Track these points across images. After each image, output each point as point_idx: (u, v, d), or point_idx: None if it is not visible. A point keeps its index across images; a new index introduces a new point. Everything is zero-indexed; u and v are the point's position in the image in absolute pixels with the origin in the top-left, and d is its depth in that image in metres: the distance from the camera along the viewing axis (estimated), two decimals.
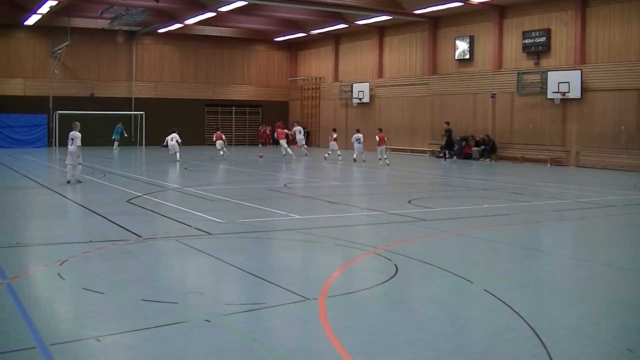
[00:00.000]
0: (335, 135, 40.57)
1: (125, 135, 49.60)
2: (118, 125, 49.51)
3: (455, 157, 39.58)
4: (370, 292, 9.28)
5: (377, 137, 35.75)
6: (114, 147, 47.93)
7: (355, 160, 36.23)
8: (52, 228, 14.83)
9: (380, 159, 34.93)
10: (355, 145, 36.97)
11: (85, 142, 46.52)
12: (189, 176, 28.24)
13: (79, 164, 23.62)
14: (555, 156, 36.58)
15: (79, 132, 23.59)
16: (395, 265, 10.71)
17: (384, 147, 35.33)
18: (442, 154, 40.35)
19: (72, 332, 7.39)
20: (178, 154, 36.02)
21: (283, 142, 41.27)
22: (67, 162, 23.73)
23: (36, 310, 8.07)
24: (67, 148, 23.55)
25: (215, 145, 39.97)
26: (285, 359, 6.63)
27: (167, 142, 37.35)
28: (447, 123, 40.77)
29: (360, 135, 37.14)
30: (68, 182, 23.13)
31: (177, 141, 36.88)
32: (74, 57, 51.52)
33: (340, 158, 37.89)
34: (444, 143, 39.91)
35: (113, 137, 48.81)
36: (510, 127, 39.38)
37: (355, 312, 8.25)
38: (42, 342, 6.95)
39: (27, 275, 10.11)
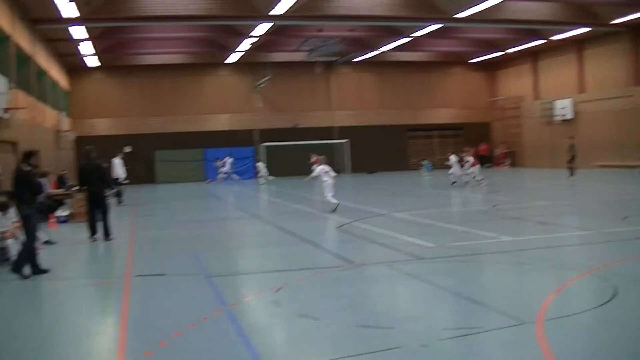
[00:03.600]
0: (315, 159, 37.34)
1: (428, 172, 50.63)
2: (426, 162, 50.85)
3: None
4: (589, 315, 8.88)
5: (471, 158, 35.03)
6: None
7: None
8: (266, 256, 15.23)
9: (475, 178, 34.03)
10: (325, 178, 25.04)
11: (290, 172, 48.29)
12: (395, 201, 28.27)
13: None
14: None
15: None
16: (613, 286, 10.20)
17: (477, 166, 34.63)
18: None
19: (290, 358, 7.57)
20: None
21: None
22: (326, 194, 24.10)
23: (256, 336, 8.28)
24: (324, 181, 24.19)
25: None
26: None
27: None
28: (572, 137, 39.70)
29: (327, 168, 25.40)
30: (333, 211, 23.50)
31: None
32: (276, 90, 53.22)
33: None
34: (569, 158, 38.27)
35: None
36: None
37: (574, 336, 7.94)
38: None
39: (245, 302, 10.41)
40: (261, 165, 47.65)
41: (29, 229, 13.43)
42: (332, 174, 24.45)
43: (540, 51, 52.19)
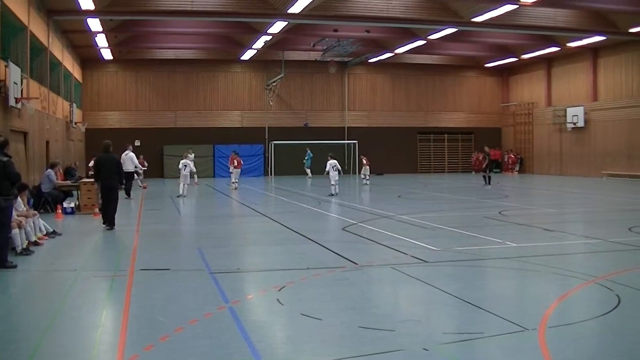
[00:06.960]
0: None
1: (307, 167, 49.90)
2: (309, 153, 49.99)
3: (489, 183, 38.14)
4: (592, 324, 8.84)
5: (235, 160, 36.44)
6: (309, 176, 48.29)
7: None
8: (270, 254, 15.22)
9: (233, 182, 36.31)
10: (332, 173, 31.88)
11: (299, 172, 48.33)
12: (402, 204, 28.23)
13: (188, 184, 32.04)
14: None
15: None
16: (617, 295, 10.19)
17: (238, 170, 36.55)
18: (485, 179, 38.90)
19: (291, 356, 7.52)
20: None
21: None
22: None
23: (257, 334, 8.27)
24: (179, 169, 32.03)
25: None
26: None
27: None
28: (488, 147, 40.23)
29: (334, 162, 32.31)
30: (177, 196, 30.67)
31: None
32: (288, 89, 53.41)
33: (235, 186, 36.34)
34: (484, 167, 39.49)
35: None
36: None
37: (576, 344, 7.90)
38: None
39: (247, 299, 10.41)
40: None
41: (3, 222, 13.33)
42: (189, 169, 32.29)
43: (554, 58, 52.07)
